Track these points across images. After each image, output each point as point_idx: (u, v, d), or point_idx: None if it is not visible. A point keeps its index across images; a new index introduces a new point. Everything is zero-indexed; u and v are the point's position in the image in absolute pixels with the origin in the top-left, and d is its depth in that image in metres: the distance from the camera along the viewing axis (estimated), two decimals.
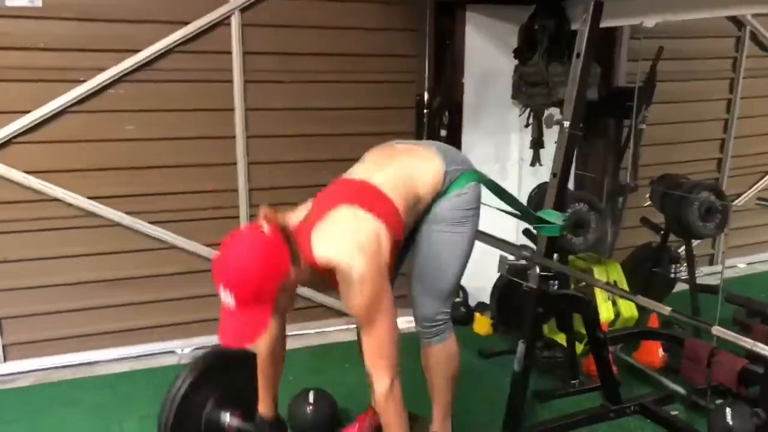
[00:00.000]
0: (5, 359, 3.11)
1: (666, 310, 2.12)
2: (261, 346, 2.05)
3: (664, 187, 3.25)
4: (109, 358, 3.22)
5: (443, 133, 3.45)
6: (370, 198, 1.81)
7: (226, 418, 2.19)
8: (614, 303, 3.29)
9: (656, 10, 2.76)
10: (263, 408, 2.14)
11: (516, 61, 3.41)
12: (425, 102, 3.51)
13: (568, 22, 3.33)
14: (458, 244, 2.02)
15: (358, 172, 1.94)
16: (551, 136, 3.21)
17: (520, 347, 2.49)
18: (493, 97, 3.64)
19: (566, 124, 2.39)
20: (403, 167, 1.95)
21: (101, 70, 2.99)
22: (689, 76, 4.20)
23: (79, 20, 2.94)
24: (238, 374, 2.23)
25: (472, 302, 3.72)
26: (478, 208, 2.06)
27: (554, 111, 2.94)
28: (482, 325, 3.56)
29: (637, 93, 3.47)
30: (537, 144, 3.53)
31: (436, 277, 2.04)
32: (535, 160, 3.55)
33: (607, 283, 3.29)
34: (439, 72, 3.51)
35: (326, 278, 1.74)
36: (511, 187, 3.70)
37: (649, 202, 3.43)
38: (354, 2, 3.35)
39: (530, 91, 3.40)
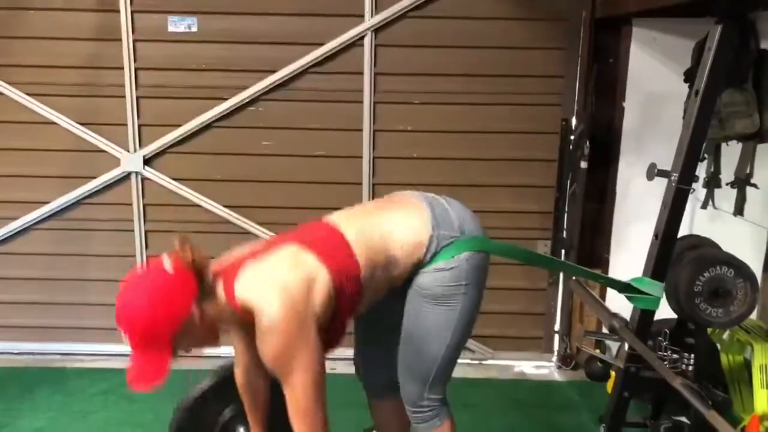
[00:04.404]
0: None
1: None
2: (236, 375, 1.91)
3: None
4: None
5: (583, 165, 3.04)
6: (323, 240, 1.63)
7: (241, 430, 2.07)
8: None
9: None
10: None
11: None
12: (572, 127, 3.15)
13: (757, 39, 2.70)
14: (442, 325, 1.72)
15: (335, 215, 1.77)
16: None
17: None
18: (661, 124, 3.11)
19: (674, 177, 1.93)
20: (381, 221, 1.73)
21: (243, 88, 3.21)
22: None
23: (228, 43, 3.18)
24: None
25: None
26: (472, 284, 1.73)
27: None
28: None
29: None
30: (711, 182, 2.96)
31: (416, 358, 1.77)
32: (707, 200, 2.98)
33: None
34: (587, 95, 3.10)
35: (250, 325, 1.56)
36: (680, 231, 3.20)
37: None
38: (495, 20, 3.13)
39: None
